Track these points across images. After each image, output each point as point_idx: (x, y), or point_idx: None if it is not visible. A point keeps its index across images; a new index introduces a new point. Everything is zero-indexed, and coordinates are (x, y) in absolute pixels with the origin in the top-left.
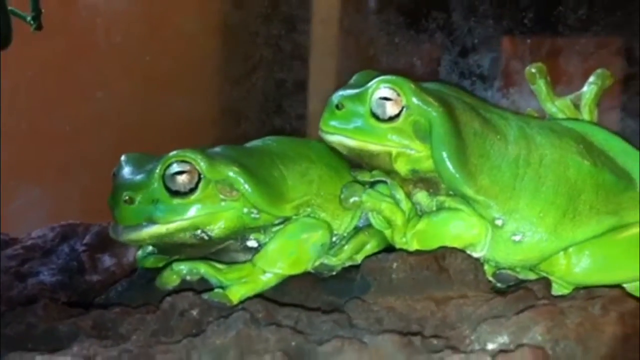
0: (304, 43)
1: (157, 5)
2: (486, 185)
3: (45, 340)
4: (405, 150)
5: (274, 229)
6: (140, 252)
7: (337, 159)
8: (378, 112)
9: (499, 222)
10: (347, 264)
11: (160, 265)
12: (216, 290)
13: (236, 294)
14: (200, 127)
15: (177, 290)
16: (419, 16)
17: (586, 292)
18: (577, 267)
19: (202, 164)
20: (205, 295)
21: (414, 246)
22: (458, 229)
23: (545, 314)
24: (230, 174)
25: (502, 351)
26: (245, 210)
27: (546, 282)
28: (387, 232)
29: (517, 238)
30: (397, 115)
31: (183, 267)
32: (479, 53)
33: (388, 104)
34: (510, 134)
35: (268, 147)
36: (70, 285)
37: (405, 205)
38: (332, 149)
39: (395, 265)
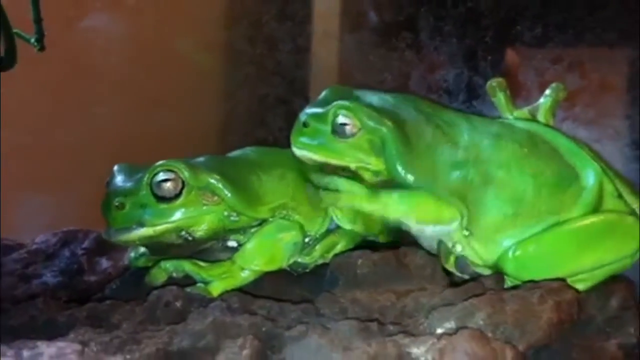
0: (294, 61)
1: (152, 27)
2: (440, 190)
3: (46, 329)
4: (363, 164)
5: (252, 230)
6: (132, 254)
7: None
8: (338, 131)
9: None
10: (319, 262)
11: (150, 264)
12: (198, 284)
13: (217, 288)
14: (193, 140)
15: (163, 286)
16: (409, 32)
17: (531, 284)
18: (524, 265)
19: (185, 173)
20: (188, 289)
21: (394, 205)
22: (433, 204)
23: (487, 302)
24: (211, 181)
25: (446, 334)
26: (226, 213)
27: (498, 276)
28: (358, 225)
29: (466, 233)
30: (355, 134)
31: (169, 265)
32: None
33: (346, 126)
34: (460, 142)
35: (247, 156)
36: (71, 285)
37: (358, 185)
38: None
39: (360, 261)
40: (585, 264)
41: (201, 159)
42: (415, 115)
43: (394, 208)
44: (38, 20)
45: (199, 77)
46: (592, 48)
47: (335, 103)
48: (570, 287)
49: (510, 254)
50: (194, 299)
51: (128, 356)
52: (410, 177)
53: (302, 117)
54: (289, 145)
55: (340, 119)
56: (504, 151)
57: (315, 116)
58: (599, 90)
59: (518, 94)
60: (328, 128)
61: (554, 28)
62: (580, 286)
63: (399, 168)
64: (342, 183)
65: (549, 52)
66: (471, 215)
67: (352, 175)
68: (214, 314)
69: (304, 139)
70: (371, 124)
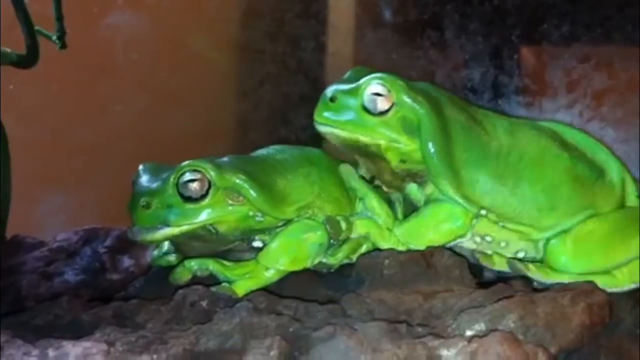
0: (311, 59)
1: (170, 26)
2: (468, 180)
3: (71, 328)
4: (394, 143)
5: (278, 230)
6: (156, 252)
7: (336, 163)
8: (369, 106)
9: (483, 212)
10: (344, 262)
11: (174, 263)
12: (224, 284)
13: (242, 288)
14: (211, 138)
15: (188, 285)
16: (428, 29)
17: (560, 286)
18: (580, 255)
19: (211, 173)
20: (213, 288)
21: (403, 245)
22: (443, 223)
23: (518, 304)
24: (237, 181)
25: (477, 336)
26: (251, 214)
27: (526, 279)
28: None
29: (501, 224)
30: (387, 110)
31: (194, 264)
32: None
33: (379, 99)
34: (493, 131)
35: (272, 155)
36: (93, 283)
37: (380, 214)
38: (330, 155)
39: (386, 262)
40: (630, 254)
41: (226, 158)
42: (449, 101)
43: (410, 240)
44: (60, 18)
45: (218, 75)
46: (620, 47)
47: (371, 75)
48: (600, 289)
49: (564, 244)
50: (219, 298)
51: (154, 356)
52: (442, 162)
53: (329, 92)
54: (309, 143)
55: (374, 88)
56: (537, 145)
57: (344, 90)
58: (626, 90)
59: (544, 93)
60: (358, 102)
61: (581, 26)
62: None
63: (433, 150)
64: (369, 202)
65: (576, 51)
66: (503, 209)
67: (379, 155)
68: (240, 314)
69: (329, 114)
70: (408, 100)
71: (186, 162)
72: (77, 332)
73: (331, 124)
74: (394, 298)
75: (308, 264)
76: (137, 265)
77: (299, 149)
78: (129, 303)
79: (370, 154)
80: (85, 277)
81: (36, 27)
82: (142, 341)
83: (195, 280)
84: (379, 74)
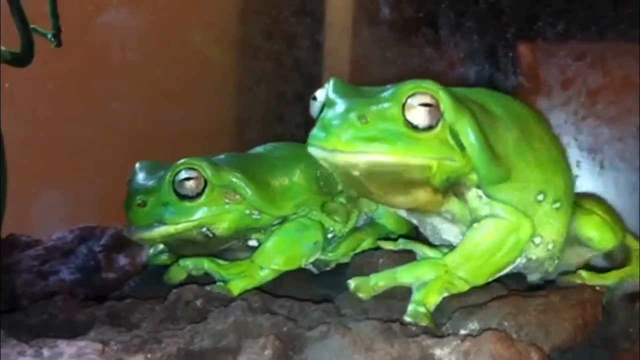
0: (308, 57)
1: (167, 23)
2: (519, 167)
3: (65, 328)
4: (447, 161)
5: (273, 228)
6: (151, 251)
7: None
8: (416, 121)
9: (540, 197)
10: (343, 260)
11: (169, 262)
12: (218, 283)
13: (236, 287)
14: (208, 136)
15: (183, 284)
16: (424, 27)
17: (553, 285)
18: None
19: (207, 171)
20: (208, 288)
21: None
22: (503, 242)
23: (511, 303)
24: (233, 179)
25: (470, 335)
26: (247, 211)
27: (519, 277)
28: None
29: (556, 205)
30: (435, 125)
31: (189, 263)
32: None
33: (427, 111)
34: (500, 116)
35: (269, 152)
36: (88, 282)
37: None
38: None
39: (381, 261)
40: None
41: (222, 156)
42: (467, 100)
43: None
44: (55, 15)
45: (215, 73)
46: (614, 44)
47: (409, 82)
48: (593, 287)
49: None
50: (214, 297)
51: (149, 355)
52: (494, 163)
53: (352, 112)
54: (305, 141)
55: (420, 99)
56: (524, 116)
57: (375, 106)
58: (621, 87)
59: (539, 91)
60: (399, 118)
61: (576, 24)
62: None
63: (486, 156)
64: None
65: (571, 49)
66: (554, 182)
67: (419, 180)
68: (235, 313)
69: (360, 139)
70: (455, 107)
71: (182, 161)
72: (72, 332)
73: (370, 149)
74: (387, 297)
75: (302, 262)
76: (132, 264)
77: (296, 146)
78: (124, 302)
79: (408, 180)
80: (80, 276)
81: (31, 25)
82: (137, 340)
83: (190, 280)
84: (417, 81)
